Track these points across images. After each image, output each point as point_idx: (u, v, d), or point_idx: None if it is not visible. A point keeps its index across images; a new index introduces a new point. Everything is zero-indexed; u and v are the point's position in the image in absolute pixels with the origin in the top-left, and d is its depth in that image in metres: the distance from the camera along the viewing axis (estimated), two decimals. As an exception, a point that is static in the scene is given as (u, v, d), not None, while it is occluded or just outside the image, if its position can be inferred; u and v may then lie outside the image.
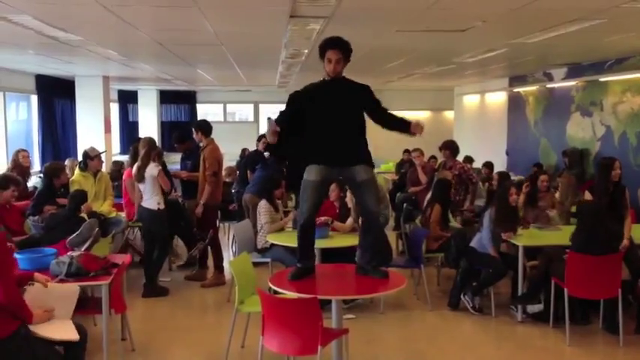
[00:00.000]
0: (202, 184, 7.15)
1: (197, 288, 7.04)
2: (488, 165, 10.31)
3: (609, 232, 5.36)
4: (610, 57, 8.52)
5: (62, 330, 3.75)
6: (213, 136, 7.28)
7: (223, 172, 9.78)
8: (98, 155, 7.21)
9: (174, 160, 9.33)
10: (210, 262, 7.39)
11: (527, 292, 5.90)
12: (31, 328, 3.65)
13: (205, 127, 7.26)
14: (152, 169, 6.49)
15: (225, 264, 7.39)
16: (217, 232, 7.49)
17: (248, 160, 9.15)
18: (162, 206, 6.59)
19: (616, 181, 5.87)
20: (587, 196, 5.96)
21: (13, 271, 3.84)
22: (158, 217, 6.58)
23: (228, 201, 8.99)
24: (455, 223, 7.62)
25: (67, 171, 7.47)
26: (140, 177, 6.52)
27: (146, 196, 6.56)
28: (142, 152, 6.59)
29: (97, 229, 5.30)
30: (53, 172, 6.79)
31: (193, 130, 7.32)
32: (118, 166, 9.72)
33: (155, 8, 4.96)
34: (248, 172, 8.76)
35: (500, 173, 9.29)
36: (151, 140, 6.77)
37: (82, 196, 6.18)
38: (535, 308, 5.92)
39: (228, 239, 8.84)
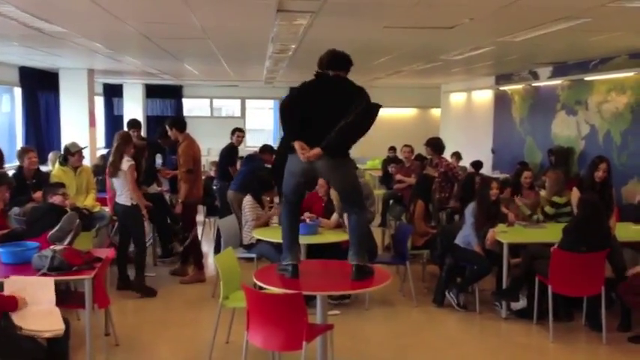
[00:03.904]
0: (180, 181, 7.11)
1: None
2: (477, 164, 10.32)
3: (606, 229, 5.41)
4: (595, 56, 8.58)
5: (48, 322, 3.70)
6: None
7: (211, 168, 9.73)
8: (79, 151, 7.06)
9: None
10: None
11: (507, 288, 5.94)
12: (17, 322, 3.60)
13: (179, 124, 7.20)
14: (124, 164, 6.37)
15: (210, 259, 7.34)
16: (196, 229, 7.43)
17: (224, 154, 8.90)
18: (135, 202, 6.46)
19: (603, 180, 5.91)
20: (575, 193, 5.99)
21: None
22: (131, 213, 6.46)
23: (214, 196, 8.93)
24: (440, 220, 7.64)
25: (50, 165, 7.36)
26: (113, 172, 6.39)
27: (119, 192, 6.43)
28: (113, 146, 6.47)
29: (77, 221, 5.21)
30: (17, 156, 6.81)
31: (167, 127, 7.27)
32: (104, 160, 9.60)
33: (142, 0, 4.91)
34: (229, 167, 8.67)
35: (473, 163, 9.36)
36: (124, 135, 6.65)
37: (53, 185, 6.16)
38: (519, 305, 5.96)
39: (214, 234, 8.79)
